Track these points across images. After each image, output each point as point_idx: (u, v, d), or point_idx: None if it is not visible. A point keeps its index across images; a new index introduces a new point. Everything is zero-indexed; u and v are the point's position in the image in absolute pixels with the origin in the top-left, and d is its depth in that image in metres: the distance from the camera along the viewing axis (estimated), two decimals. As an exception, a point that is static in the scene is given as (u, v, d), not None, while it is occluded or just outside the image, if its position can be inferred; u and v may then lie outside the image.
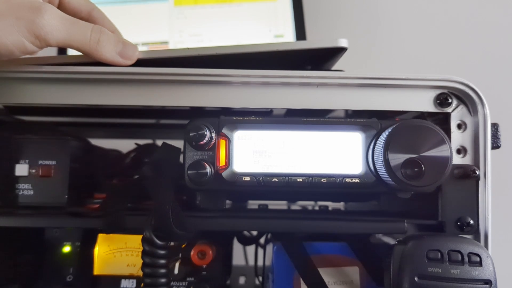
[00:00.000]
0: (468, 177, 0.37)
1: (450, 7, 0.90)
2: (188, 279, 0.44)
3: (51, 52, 0.75)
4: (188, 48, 0.38)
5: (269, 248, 0.48)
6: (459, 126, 0.39)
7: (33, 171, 0.41)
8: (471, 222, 0.37)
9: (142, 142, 0.58)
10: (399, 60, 0.89)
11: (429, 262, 0.33)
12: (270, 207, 0.52)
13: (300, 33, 0.72)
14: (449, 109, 0.38)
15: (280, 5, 0.74)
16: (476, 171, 0.37)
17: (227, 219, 0.39)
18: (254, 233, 0.56)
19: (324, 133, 0.37)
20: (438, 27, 0.90)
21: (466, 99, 0.38)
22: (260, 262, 0.58)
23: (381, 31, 0.91)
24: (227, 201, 0.49)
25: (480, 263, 0.33)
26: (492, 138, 0.38)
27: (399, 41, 0.90)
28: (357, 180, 0.37)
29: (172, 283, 0.44)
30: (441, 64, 0.88)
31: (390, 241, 0.45)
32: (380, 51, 0.90)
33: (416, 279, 0.32)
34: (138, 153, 0.56)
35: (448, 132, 0.38)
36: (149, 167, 0.38)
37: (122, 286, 0.45)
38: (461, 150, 0.38)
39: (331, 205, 0.61)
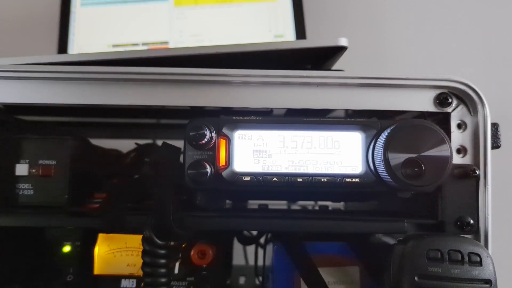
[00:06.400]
0: (468, 176, 0.37)
1: (450, 7, 0.90)
2: (188, 278, 0.44)
3: (51, 52, 0.76)
4: (188, 47, 0.38)
5: (269, 248, 0.48)
6: (459, 126, 0.39)
7: (33, 170, 0.41)
8: (471, 221, 0.37)
9: (142, 142, 0.58)
10: (399, 60, 0.89)
11: (429, 262, 0.33)
12: (270, 207, 0.52)
13: (300, 33, 0.72)
14: (449, 109, 0.38)
15: (280, 5, 0.74)
16: (476, 171, 0.37)
17: (227, 218, 0.39)
18: (254, 233, 0.56)
19: (324, 132, 0.37)
20: (438, 27, 0.90)
21: (466, 99, 0.38)
22: (260, 262, 0.58)
23: (381, 31, 0.91)
24: (227, 201, 0.49)
25: (480, 263, 0.33)
26: (492, 138, 0.38)
27: (399, 41, 0.90)
28: (357, 180, 0.37)
29: (172, 282, 0.44)
30: (441, 64, 0.88)
31: (390, 240, 0.45)
32: (380, 51, 0.90)
33: (416, 278, 0.32)
34: (138, 153, 0.56)
35: (448, 132, 0.38)
36: (149, 167, 0.38)
37: (122, 285, 0.45)
38: (461, 150, 0.38)
39: (331, 205, 0.61)
